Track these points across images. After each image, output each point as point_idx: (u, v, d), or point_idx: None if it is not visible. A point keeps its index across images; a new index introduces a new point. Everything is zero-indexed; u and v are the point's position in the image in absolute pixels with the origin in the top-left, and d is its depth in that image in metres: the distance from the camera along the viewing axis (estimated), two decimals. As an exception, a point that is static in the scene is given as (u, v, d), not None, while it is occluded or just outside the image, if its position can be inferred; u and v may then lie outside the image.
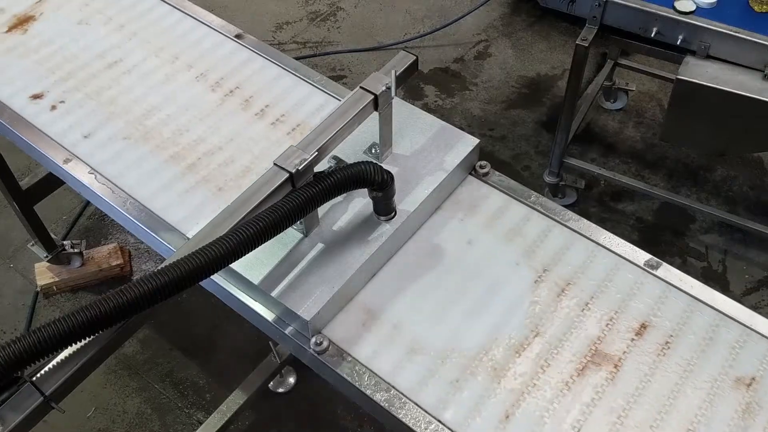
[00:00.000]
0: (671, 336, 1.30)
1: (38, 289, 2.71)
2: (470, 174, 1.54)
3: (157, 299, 1.06)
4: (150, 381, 2.52)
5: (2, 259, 2.86)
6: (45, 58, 1.79)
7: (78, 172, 1.57)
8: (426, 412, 1.22)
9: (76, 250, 2.68)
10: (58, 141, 1.61)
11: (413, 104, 1.60)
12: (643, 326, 1.31)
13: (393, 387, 1.25)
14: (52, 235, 2.62)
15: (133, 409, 2.45)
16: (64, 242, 2.68)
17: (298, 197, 1.23)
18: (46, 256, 2.64)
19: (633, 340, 1.30)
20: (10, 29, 1.86)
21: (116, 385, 2.50)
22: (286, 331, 1.32)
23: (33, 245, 2.62)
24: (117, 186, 1.53)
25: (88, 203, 2.96)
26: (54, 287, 2.71)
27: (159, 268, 1.08)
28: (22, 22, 1.87)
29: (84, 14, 1.90)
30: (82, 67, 1.76)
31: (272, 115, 1.65)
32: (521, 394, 1.23)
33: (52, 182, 2.39)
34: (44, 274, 2.71)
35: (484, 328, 1.32)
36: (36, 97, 1.69)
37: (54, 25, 1.86)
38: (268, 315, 1.35)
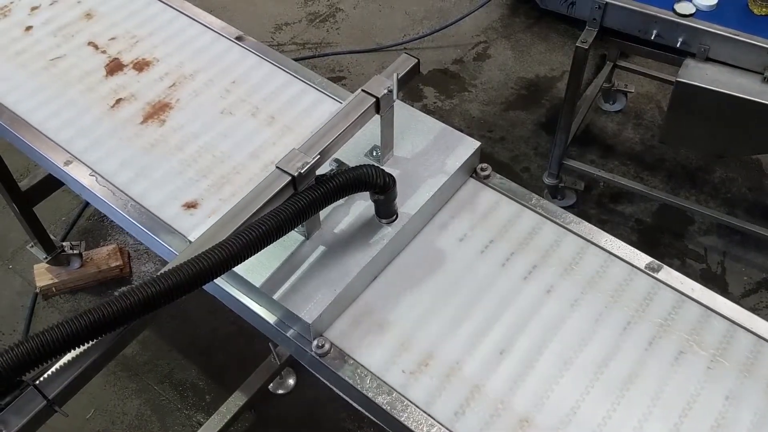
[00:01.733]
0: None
1: (37, 290, 2.70)
2: (471, 177, 1.54)
3: (160, 303, 1.06)
4: (149, 382, 2.52)
5: (1, 260, 2.86)
6: (192, 158, 1.57)
7: (78, 174, 1.57)
8: (428, 415, 1.22)
9: (75, 252, 2.68)
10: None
11: (412, 105, 1.60)
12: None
13: (394, 390, 1.25)
14: (52, 237, 2.62)
15: (133, 411, 2.45)
16: (64, 243, 2.68)
17: (300, 201, 1.23)
18: (46, 258, 2.64)
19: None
20: (145, 119, 1.64)
21: (116, 387, 2.50)
22: (288, 334, 1.32)
23: (32, 246, 2.62)
24: (118, 188, 1.53)
25: (87, 204, 2.96)
26: (53, 288, 2.70)
27: (162, 271, 1.08)
28: (158, 111, 1.66)
29: (226, 102, 1.68)
30: (237, 170, 1.54)
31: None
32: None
33: (51, 183, 2.39)
34: (43, 275, 2.70)
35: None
36: (190, 206, 1.49)
37: (194, 115, 1.63)
38: (270, 317, 1.35)
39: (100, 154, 1.59)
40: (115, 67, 1.76)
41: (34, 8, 1.91)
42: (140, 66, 1.76)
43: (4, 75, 1.77)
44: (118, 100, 1.69)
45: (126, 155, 1.58)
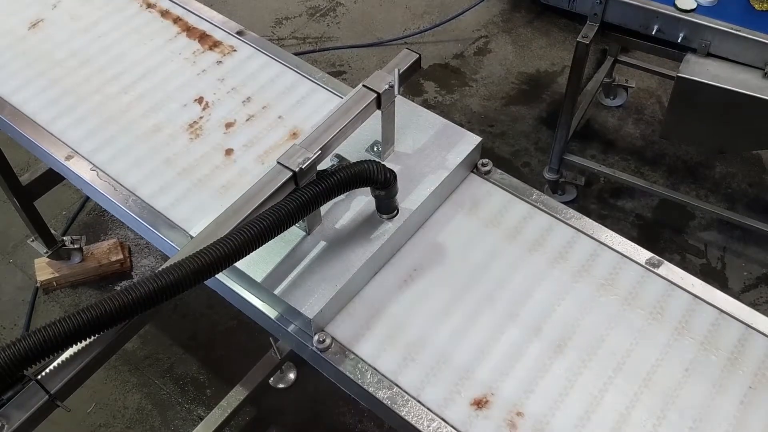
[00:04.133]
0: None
1: (38, 284, 2.71)
2: (472, 172, 1.54)
3: (162, 298, 1.06)
4: (150, 377, 2.52)
5: (2, 254, 2.86)
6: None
7: (80, 169, 1.57)
8: (429, 410, 1.22)
9: (76, 246, 2.68)
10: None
11: (413, 100, 1.60)
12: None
13: (395, 384, 1.25)
14: (52, 231, 2.62)
15: (134, 405, 2.46)
16: (64, 238, 2.68)
17: (301, 196, 1.23)
18: (46, 252, 2.64)
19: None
20: None
21: (116, 381, 2.51)
22: (289, 329, 1.33)
23: (33, 241, 2.62)
24: (119, 183, 1.53)
25: (87, 199, 2.96)
26: (54, 283, 2.71)
27: (164, 266, 1.08)
28: None
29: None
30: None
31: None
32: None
33: (52, 178, 2.39)
34: (44, 269, 2.71)
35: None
36: (479, 405, 1.24)
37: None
38: (271, 312, 1.35)
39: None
40: None
41: (229, 125, 1.62)
42: None
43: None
44: None
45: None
